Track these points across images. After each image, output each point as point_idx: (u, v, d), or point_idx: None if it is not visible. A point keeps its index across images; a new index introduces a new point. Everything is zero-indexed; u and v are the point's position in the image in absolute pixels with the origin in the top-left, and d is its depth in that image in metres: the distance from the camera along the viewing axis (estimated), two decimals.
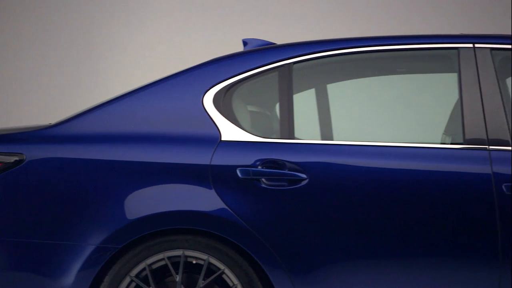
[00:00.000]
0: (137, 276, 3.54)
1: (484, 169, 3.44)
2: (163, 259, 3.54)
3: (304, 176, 3.51)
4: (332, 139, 3.95)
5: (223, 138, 3.60)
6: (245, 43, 4.02)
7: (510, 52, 3.60)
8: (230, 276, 3.53)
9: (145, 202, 3.53)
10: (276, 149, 3.57)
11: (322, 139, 3.95)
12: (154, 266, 3.55)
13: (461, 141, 3.53)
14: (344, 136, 3.85)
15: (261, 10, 6.55)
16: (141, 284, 3.53)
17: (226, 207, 3.51)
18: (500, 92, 3.54)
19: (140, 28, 6.64)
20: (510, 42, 3.61)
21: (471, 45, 3.61)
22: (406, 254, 3.44)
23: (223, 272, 3.53)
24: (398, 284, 3.45)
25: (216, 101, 3.66)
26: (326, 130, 4.01)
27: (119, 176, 3.55)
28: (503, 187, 3.41)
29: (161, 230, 3.54)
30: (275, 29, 6.44)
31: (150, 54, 6.56)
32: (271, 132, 3.75)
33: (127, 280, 3.54)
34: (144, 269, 3.54)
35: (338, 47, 3.69)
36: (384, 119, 4.10)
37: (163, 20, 6.61)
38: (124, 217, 3.52)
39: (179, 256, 3.53)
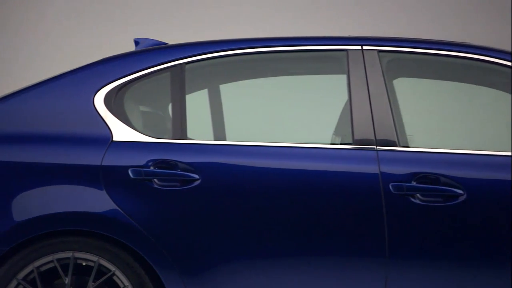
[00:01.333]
0: (24, 279, 3.49)
1: (372, 169, 3.52)
2: (52, 261, 3.50)
3: (196, 176, 3.52)
4: (225, 140, 3.97)
5: (114, 139, 3.58)
6: (136, 42, 4.00)
7: (396, 54, 3.70)
8: (121, 278, 3.51)
9: (34, 203, 3.47)
10: (168, 150, 3.57)
11: (215, 140, 3.97)
12: (43, 269, 3.50)
13: (350, 141, 3.60)
14: (237, 136, 3.88)
15: (153, 9, 6.52)
16: (28, 287, 3.48)
17: (118, 208, 3.49)
18: (387, 93, 3.61)
19: (29, 27, 6.53)
20: (397, 44, 3.70)
21: (359, 47, 3.68)
22: (296, 253, 3.49)
23: (113, 274, 3.51)
24: (288, 283, 3.49)
25: (107, 101, 3.63)
26: (219, 130, 4.02)
27: (7, 177, 3.49)
28: (390, 186, 3.49)
29: (51, 231, 3.50)
30: (167, 29, 6.43)
31: (39, 54, 6.47)
32: (163, 133, 3.75)
33: (14, 283, 3.48)
34: (32, 271, 3.50)
35: (230, 47, 3.71)
36: (276, 119, 4.13)
37: (50, 19, 6.52)
38: (11, 218, 3.46)
39: (68, 258, 3.50)
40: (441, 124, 4.31)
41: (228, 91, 4.00)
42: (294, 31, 6.37)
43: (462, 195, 3.44)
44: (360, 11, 6.63)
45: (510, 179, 3.42)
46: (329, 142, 3.74)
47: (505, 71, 3.62)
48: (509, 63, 3.59)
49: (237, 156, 3.54)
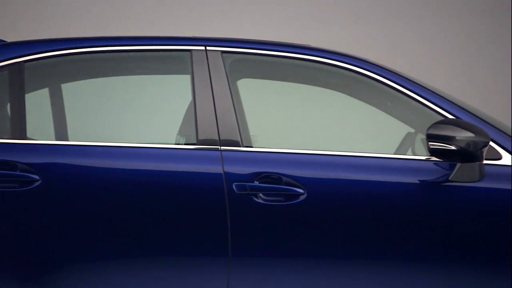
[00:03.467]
0: None
1: (216, 169, 3.53)
2: None
3: (36, 177, 3.44)
4: (67, 139, 3.90)
5: None
6: None
7: (240, 55, 3.73)
8: None
9: None
10: (6, 150, 3.47)
11: (57, 140, 3.88)
12: None
13: (195, 141, 3.60)
14: (79, 136, 3.81)
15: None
16: None
17: None
18: (231, 94, 3.64)
19: None
20: (240, 45, 3.74)
21: (203, 48, 3.69)
22: (140, 254, 3.45)
23: None
24: (131, 283, 3.46)
25: None
26: (60, 130, 3.94)
27: None
28: (233, 186, 3.51)
29: None
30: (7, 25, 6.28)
31: None
32: (1, 132, 3.64)
33: None
34: None
35: (72, 46, 3.65)
36: (121, 119, 4.10)
37: None
38: None
39: None
40: (284, 124, 4.38)
41: (71, 90, 3.93)
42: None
43: (302, 194, 3.51)
44: (357, 14, 6.65)
45: (347, 178, 3.53)
46: (174, 142, 3.74)
47: (342, 73, 3.72)
48: (346, 65, 3.70)
49: (79, 156, 3.48)
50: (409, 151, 3.92)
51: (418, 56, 6.64)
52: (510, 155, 3.53)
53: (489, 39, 6.64)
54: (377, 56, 6.47)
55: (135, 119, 4.00)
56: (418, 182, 3.50)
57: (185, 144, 3.65)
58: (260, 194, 3.50)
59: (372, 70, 3.67)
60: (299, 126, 4.37)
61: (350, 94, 3.84)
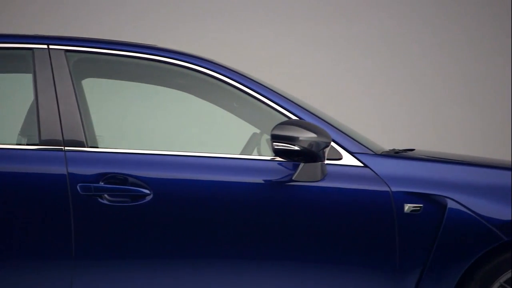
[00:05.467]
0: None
1: (60, 170, 3.46)
2: None
3: None
4: None
5: None
6: None
7: (84, 54, 3.67)
8: None
9: None
10: None
11: None
12: None
13: (37, 141, 3.52)
14: None
15: None
16: None
17: None
18: (75, 94, 3.58)
19: None
20: (85, 44, 3.68)
21: (45, 46, 3.61)
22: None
23: None
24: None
25: None
26: None
27: None
28: (78, 187, 3.46)
29: None
30: None
31: None
32: None
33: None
34: None
35: None
36: None
37: None
38: None
39: None
40: (130, 124, 4.35)
41: None
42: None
43: (149, 194, 3.49)
44: (357, 12, 6.52)
45: (193, 178, 3.54)
46: (15, 142, 3.65)
47: (188, 73, 3.73)
48: (191, 66, 3.71)
49: None
50: (255, 151, 3.97)
51: (418, 56, 6.68)
52: (350, 155, 3.63)
53: (489, 39, 6.73)
54: (374, 56, 6.52)
55: None
56: (263, 182, 3.54)
57: (27, 144, 3.57)
58: (105, 195, 3.46)
59: (217, 70, 3.69)
60: (145, 127, 4.35)
61: (196, 95, 3.85)
